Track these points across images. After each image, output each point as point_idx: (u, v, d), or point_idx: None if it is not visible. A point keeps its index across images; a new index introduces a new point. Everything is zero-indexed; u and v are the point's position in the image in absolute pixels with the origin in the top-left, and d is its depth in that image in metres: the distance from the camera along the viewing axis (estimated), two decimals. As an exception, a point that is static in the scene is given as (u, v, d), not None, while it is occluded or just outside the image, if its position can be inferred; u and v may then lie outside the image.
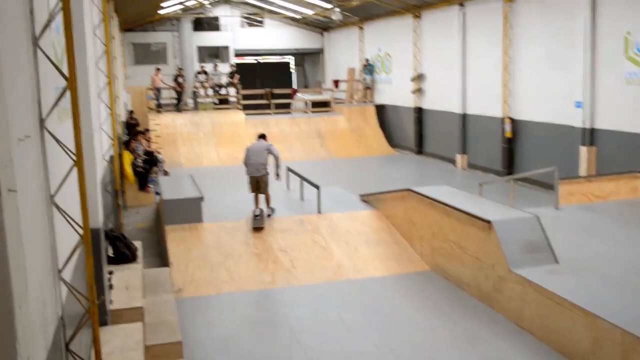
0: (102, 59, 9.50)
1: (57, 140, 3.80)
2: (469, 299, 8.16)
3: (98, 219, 5.84)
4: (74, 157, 3.85)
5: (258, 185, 10.94)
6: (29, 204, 3.13)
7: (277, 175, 11.08)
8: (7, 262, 2.21)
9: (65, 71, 3.90)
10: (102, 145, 8.81)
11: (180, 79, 23.46)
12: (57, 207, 3.77)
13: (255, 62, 36.10)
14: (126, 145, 15.11)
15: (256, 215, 10.52)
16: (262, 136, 11.56)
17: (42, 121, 3.67)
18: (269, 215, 10.88)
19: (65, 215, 3.83)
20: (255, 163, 10.89)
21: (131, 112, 21.27)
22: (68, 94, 3.90)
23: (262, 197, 11.14)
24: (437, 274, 9.12)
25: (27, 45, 3.48)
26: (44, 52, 3.70)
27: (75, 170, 3.89)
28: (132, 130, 18.00)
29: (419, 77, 22.06)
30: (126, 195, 14.01)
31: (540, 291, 6.89)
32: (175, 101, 23.62)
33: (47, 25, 3.71)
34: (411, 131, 22.68)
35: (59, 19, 4.18)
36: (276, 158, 11.06)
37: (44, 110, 3.73)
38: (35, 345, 2.77)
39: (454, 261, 8.72)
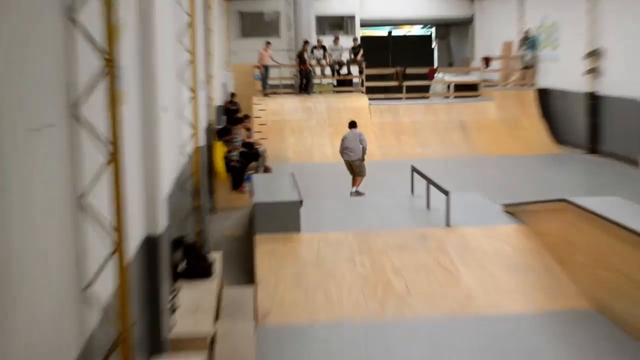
0: (187, 33, 9.83)
1: (93, 131, 3.90)
2: (642, 351, 7.62)
3: (159, 223, 5.99)
4: (111, 150, 3.94)
5: (352, 168, 15.13)
6: (41, 206, 3.22)
7: (365, 154, 15.21)
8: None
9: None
10: (181, 135, 9.11)
11: (305, 55, 23.90)
12: (89, 211, 3.88)
13: (387, 35, 36.15)
14: (221, 134, 15.57)
15: (351, 194, 14.73)
16: (353, 124, 15.58)
17: (73, 107, 3.79)
18: (351, 194, 14.76)
19: (99, 221, 3.93)
20: (351, 148, 15.04)
21: (232, 95, 21.95)
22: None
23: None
24: (601, 315, 8.58)
25: (59, 17, 3.60)
26: (80, 27, 3.81)
27: (111, 167, 3.98)
28: (231, 117, 18.55)
29: (595, 53, 21.06)
30: (216, 196, 14.41)
31: None
32: (299, 82, 24.11)
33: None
34: (583, 123, 21.72)
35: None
36: (364, 149, 15.11)
37: (80, 95, 3.85)
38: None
39: (625, 298, 8.19)
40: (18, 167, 2.86)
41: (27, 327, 2.86)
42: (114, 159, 3.93)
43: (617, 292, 8.36)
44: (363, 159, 15.03)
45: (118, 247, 4.03)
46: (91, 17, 4.03)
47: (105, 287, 4.19)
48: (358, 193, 14.79)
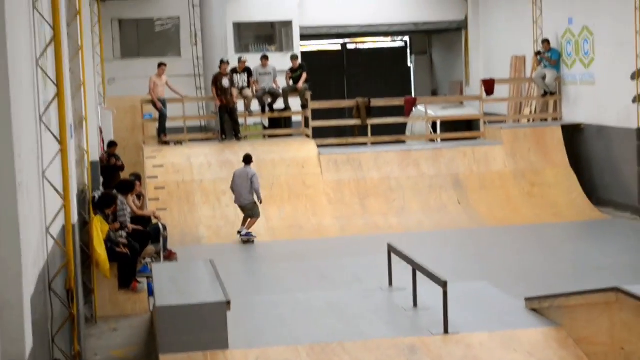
0: (50, 53, 9.90)
1: None
2: None
3: (21, 346, 5.97)
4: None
5: (243, 211, 18.84)
6: None
7: (259, 200, 18.96)
8: None
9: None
10: (43, 208, 9.09)
11: (224, 82, 24.06)
12: None
13: (340, 48, 36.67)
14: (100, 205, 15.53)
15: (239, 233, 18.72)
16: (247, 159, 19.24)
17: None
18: (239, 233, 19.08)
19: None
20: (239, 190, 18.88)
21: (111, 145, 21.92)
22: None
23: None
24: None
25: None
26: None
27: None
28: (112, 179, 18.53)
29: (648, 72, 21.70)
30: (96, 297, 14.30)
31: None
32: (219, 123, 24.44)
33: None
34: (635, 175, 22.19)
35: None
36: (256, 192, 18.74)
37: None
38: None
39: None
40: None
41: None
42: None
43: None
44: (255, 202, 19.04)
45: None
46: None
47: None
48: (249, 237, 18.68)
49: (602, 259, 17.99)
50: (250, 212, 18.93)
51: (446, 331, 10.96)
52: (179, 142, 24.15)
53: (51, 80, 9.78)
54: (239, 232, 18.92)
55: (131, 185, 17.54)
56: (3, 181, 6.06)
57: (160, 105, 24.09)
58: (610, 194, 23.16)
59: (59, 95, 9.88)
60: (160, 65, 24.65)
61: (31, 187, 7.69)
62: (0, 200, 6.04)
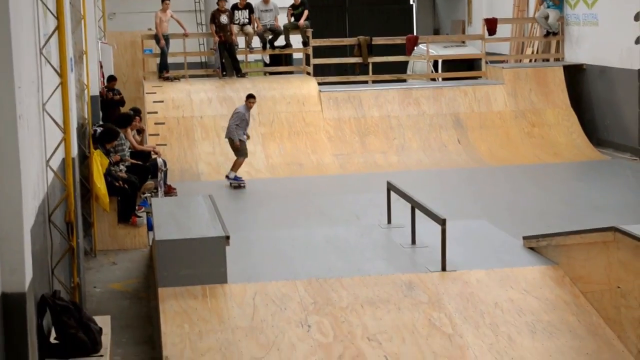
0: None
1: None
2: None
3: (21, 275, 6.00)
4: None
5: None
6: None
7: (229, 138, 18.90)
8: None
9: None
10: (43, 141, 9.10)
11: (223, 18, 23.91)
12: None
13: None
14: (100, 140, 15.54)
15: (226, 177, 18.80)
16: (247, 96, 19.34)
17: None
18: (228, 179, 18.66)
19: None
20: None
21: (111, 79, 21.87)
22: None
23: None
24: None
25: None
26: None
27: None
28: (113, 114, 18.50)
29: (650, 13, 21.61)
30: (95, 231, 14.37)
31: None
32: (219, 60, 24.27)
33: None
34: (635, 116, 22.19)
35: None
36: (229, 127, 18.98)
37: None
38: None
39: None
40: None
41: None
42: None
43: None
44: (232, 139, 18.80)
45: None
46: None
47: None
48: (238, 181, 18.72)
49: (601, 199, 18.07)
50: (234, 149, 18.76)
51: (444, 268, 11.03)
52: (176, 78, 24.02)
53: (52, 13, 9.74)
54: (226, 176, 18.82)
55: (129, 118, 17.54)
56: (3, 113, 6.05)
57: (163, 42, 24.05)
58: (610, 135, 23.18)
59: (59, 28, 9.83)
60: (165, 2, 24.48)
61: (31, 119, 7.69)
62: (1, 132, 6.04)
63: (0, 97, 6.06)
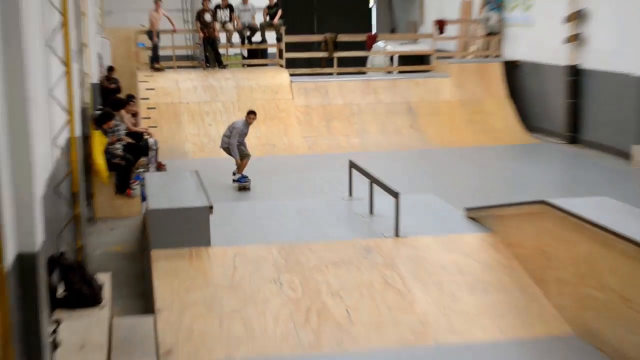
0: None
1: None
2: (638, 384, 8.02)
3: (34, 238, 6.05)
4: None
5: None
6: None
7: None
8: None
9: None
10: (51, 123, 9.13)
11: (207, 16, 23.93)
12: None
13: (311, -11, 36.39)
14: (99, 122, 15.52)
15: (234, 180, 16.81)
16: (249, 112, 17.29)
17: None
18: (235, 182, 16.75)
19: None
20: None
21: (110, 69, 21.83)
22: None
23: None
24: (586, 342, 8.97)
25: None
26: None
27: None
28: (110, 99, 18.44)
29: (578, 16, 21.67)
30: (95, 201, 14.39)
31: None
32: (203, 53, 24.27)
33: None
34: (562, 106, 22.34)
35: None
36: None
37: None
38: None
39: (613, 321, 8.55)
40: None
41: None
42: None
43: (605, 314, 8.69)
44: (233, 156, 16.91)
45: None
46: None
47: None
48: (243, 182, 16.71)
49: (532, 177, 18.22)
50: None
51: (397, 235, 11.14)
52: (165, 69, 24.07)
53: (57, 9, 9.74)
54: (233, 180, 16.82)
55: (123, 102, 17.58)
56: (16, 98, 6.08)
57: (156, 39, 24.12)
58: (541, 122, 23.33)
59: (64, 23, 9.84)
60: (157, 1, 24.51)
61: (40, 103, 7.71)
62: (14, 113, 6.07)
63: (13, 84, 6.08)
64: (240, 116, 21.57)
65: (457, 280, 10.20)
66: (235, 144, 16.58)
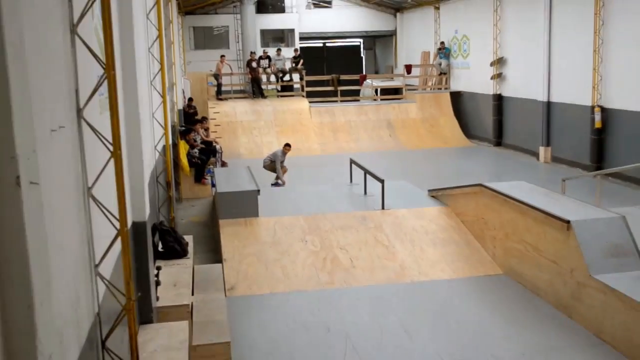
0: (156, 45, 9.78)
1: (95, 131, 3.94)
2: (545, 306, 7.96)
3: (144, 211, 6.03)
4: (111, 148, 3.98)
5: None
6: (61, 196, 3.27)
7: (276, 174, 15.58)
8: (26, 257, 2.31)
9: (104, 58, 4.03)
10: (153, 135, 9.09)
11: (253, 64, 23.92)
12: (95, 200, 3.92)
13: (322, 45, 36.28)
14: (183, 134, 15.49)
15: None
16: (285, 145, 16.00)
17: (79, 111, 3.82)
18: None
19: (103, 209, 3.97)
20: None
21: (190, 99, 21.80)
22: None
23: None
24: (511, 278, 8.94)
25: (64, 32, 3.63)
26: (81, 39, 3.84)
27: (112, 162, 4.02)
28: (190, 119, 18.43)
29: (499, 61, 21.59)
30: (181, 187, 14.40)
31: (624, 300, 6.63)
32: (251, 88, 24.22)
33: (84, 12, 3.85)
34: (490, 120, 22.25)
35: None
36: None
37: (82, 100, 3.88)
38: (60, 342, 2.89)
39: (529, 265, 8.53)
40: (34, 163, 2.88)
41: (56, 303, 2.91)
42: (115, 155, 3.97)
43: (523, 260, 8.71)
44: (269, 166, 15.64)
45: (121, 232, 4.07)
46: (88, 29, 4.06)
47: (109, 266, 4.25)
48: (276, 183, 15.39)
49: (471, 168, 18.13)
50: (271, 169, 15.66)
51: (383, 208, 11.14)
52: (221, 99, 24.03)
53: (157, 60, 9.70)
54: (272, 185, 15.23)
55: (198, 121, 17.76)
56: (132, 118, 6.06)
57: (221, 80, 24.02)
58: (476, 131, 23.22)
59: (161, 69, 9.79)
60: (222, 56, 24.64)
61: (145, 122, 7.67)
62: (131, 129, 6.04)
63: (130, 109, 6.05)
64: (277, 130, 21.59)
65: (424, 239, 10.18)
66: (279, 167, 15.43)
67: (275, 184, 15.30)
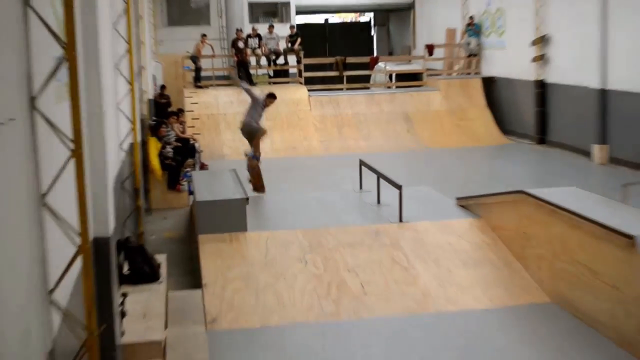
0: (122, 20, 9.79)
1: (51, 124, 3.93)
2: (604, 343, 7.93)
3: (107, 225, 6.01)
4: (71, 146, 3.97)
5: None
6: (9, 205, 3.25)
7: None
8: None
9: (63, 36, 4.03)
10: (118, 130, 9.08)
11: (240, 44, 23.96)
12: (50, 210, 3.91)
13: (324, 22, 36.39)
14: (154, 130, 15.52)
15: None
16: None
17: (32, 100, 3.81)
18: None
19: (60, 221, 3.96)
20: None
21: (162, 87, 21.84)
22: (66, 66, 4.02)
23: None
24: (561, 308, 8.91)
25: (15, 4, 3.62)
26: (36, 13, 3.83)
27: (72, 163, 4.01)
28: (162, 111, 18.44)
29: (542, 40, 21.63)
30: (151, 195, 14.37)
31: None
32: (237, 74, 24.30)
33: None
34: (531, 113, 22.28)
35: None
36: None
37: (35, 87, 3.87)
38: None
39: (584, 291, 8.51)
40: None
41: (1, 339, 2.89)
42: (77, 154, 3.96)
43: (576, 284, 8.66)
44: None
45: (82, 249, 4.06)
46: (44, 1, 4.05)
47: (66, 290, 4.23)
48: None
49: (509, 171, 18.17)
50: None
51: (401, 220, 11.14)
52: (200, 87, 24.08)
53: (124, 39, 9.70)
54: (245, 155, 14.63)
55: (173, 114, 17.73)
56: (94, 110, 6.06)
57: (200, 63, 24.20)
58: (514, 126, 23.26)
59: (130, 51, 9.81)
60: (203, 35, 24.87)
61: (110, 115, 7.68)
62: (92, 123, 6.04)
63: (92, 100, 6.05)
64: (269, 125, 21.61)
65: (451, 258, 10.17)
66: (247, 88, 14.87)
67: (253, 157, 14.09)
